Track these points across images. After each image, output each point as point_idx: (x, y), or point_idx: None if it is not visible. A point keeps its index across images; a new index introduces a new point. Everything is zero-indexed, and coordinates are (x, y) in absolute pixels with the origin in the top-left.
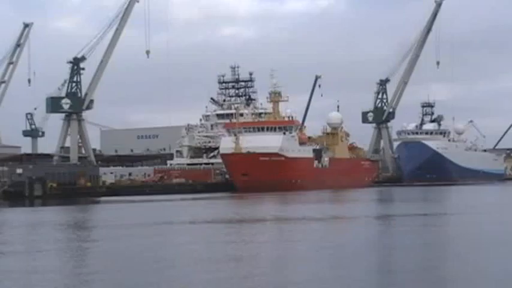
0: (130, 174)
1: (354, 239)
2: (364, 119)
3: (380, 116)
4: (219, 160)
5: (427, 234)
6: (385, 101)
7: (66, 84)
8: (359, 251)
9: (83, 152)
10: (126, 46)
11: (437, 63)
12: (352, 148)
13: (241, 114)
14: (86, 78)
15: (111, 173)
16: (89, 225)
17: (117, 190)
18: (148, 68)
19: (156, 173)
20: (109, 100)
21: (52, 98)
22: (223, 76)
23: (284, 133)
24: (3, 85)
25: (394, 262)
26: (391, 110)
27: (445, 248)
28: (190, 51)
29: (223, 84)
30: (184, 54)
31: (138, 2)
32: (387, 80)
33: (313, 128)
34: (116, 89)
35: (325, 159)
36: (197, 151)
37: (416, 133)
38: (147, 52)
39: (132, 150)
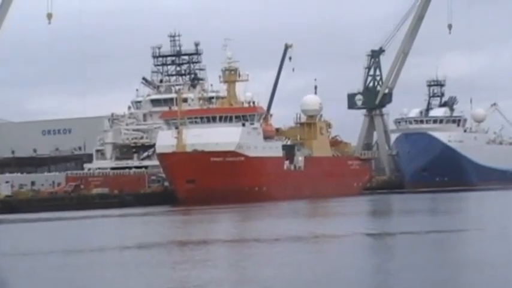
0: (33, 183)
1: (335, 275)
2: (351, 104)
3: (372, 100)
4: (156, 162)
5: (437, 268)
6: (378, 78)
7: None
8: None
9: None
10: (25, 8)
11: (449, 26)
12: (335, 143)
13: (185, 100)
14: None
15: (7, 182)
16: None
17: (15, 205)
18: (55, 39)
19: (69, 181)
20: (0, 82)
21: None
22: (159, 48)
23: (243, 124)
24: None
25: None
26: (386, 91)
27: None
28: (112, 15)
29: (160, 58)
30: (105, 18)
31: None
32: (381, 51)
33: (283, 116)
34: (9, 67)
35: (300, 158)
36: (125, 150)
37: (421, 121)
38: (48, 16)
39: (35, 151)
